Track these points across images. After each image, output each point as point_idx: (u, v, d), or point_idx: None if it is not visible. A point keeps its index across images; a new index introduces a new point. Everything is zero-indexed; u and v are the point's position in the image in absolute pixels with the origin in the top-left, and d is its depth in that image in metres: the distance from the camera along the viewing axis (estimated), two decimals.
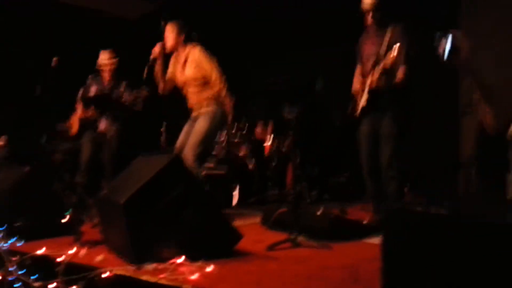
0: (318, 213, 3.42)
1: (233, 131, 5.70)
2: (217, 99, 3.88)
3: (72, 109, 5.03)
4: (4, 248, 2.65)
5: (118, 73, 4.80)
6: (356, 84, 3.73)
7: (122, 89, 4.56)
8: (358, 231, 3.20)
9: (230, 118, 4.07)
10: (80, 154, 4.69)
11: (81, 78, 4.97)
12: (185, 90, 3.99)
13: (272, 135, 5.73)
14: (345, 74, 4.03)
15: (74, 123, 4.87)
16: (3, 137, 5.27)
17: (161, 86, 3.99)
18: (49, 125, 5.09)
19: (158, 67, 3.91)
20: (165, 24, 3.99)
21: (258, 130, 6.04)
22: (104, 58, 4.70)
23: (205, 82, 3.88)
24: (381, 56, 3.41)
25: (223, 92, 3.88)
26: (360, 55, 3.70)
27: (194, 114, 3.97)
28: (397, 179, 3.52)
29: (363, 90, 3.60)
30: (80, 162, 4.65)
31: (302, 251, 2.76)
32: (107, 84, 4.70)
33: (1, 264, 2.52)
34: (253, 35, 6.57)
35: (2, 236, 2.83)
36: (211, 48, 4.02)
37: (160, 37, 3.99)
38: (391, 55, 3.25)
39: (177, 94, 4.17)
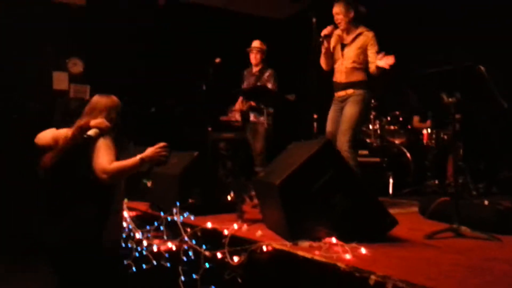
0: (486, 203, 3.12)
1: (389, 119, 5.53)
2: (367, 83, 3.88)
3: (232, 103, 5.48)
4: (180, 221, 3.03)
5: (266, 63, 5.13)
6: None
7: (267, 76, 4.90)
8: None
9: None
10: (247, 145, 5.14)
11: (238, 76, 5.45)
12: (338, 65, 4.05)
13: (431, 123, 5.41)
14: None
15: (237, 115, 5.34)
16: None
17: (325, 63, 4.13)
18: (213, 117, 5.62)
19: (325, 47, 4.04)
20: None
21: (416, 119, 5.75)
22: (256, 42, 5.20)
23: (361, 67, 3.90)
24: None
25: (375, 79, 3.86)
26: None
27: (340, 94, 4.00)
28: None
29: None
30: (253, 154, 5.05)
31: (465, 242, 2.56)
32: (255, 72, 5.07)
33: (178, 234, 2.89)
34: (410, 25, 6.26)
35: (177, 211, 3.22)
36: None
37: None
38: None
39: (330, 85, 4.25)
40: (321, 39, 3.97)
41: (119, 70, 6.65)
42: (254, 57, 5.17)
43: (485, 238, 2.56)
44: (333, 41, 4.09)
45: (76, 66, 6.82)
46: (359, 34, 3.94)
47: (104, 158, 2.35)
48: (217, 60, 5.16)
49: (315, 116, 4.47)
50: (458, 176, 3.72)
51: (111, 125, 2.51)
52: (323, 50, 4.05)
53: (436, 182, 5.06)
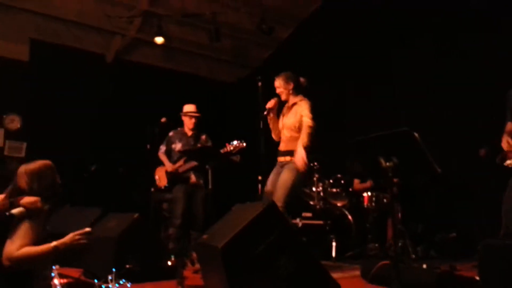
0: (424, 267, 3.19)
1: (331, 182, 5.65)
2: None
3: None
4: None
5: (199, 128, 5.12)
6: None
7: (204, 138, 4.92)
8: None
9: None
10: (174, 206, 4.90)
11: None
12: (282, 134, 4.20)
13: (371, 186, 5.57)
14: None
15: (162, 176, 5.15)
16: None
17: (274, 134, 4.24)
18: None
19: (271, 118, 4.15)
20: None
21: (356, 181, 5.91)
22: (190, 108, 5.11)
23: (298, 135, 4.03)
24: None
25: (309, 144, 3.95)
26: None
27: (280, 159, 4.11)
28: None
29: None
30: (175, 215, 4.82)
31: None
32: (190, 135, 5.03)
33: None
34: (351, 91, 6.64)
35: (112, 279, 3.03)
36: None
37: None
38: None
39: (275, 148, 4.32)
40: (265, 113, 4.10)
41: (60, 128, 6.45)
42: (192, 122, 5.07)
43: None
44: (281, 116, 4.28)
45: (14, 122, 6.55)
46: (295, 104, 4.12)
47: (15, 243, 2.21)
48: (163, 119, 5.12)
49: (259, 177, 4.49)
50: (398, 240, 3.79)
51: (39, 197, 2.36)
52: (269, 122, 4.16)
53: (377, 245, 5.13)
